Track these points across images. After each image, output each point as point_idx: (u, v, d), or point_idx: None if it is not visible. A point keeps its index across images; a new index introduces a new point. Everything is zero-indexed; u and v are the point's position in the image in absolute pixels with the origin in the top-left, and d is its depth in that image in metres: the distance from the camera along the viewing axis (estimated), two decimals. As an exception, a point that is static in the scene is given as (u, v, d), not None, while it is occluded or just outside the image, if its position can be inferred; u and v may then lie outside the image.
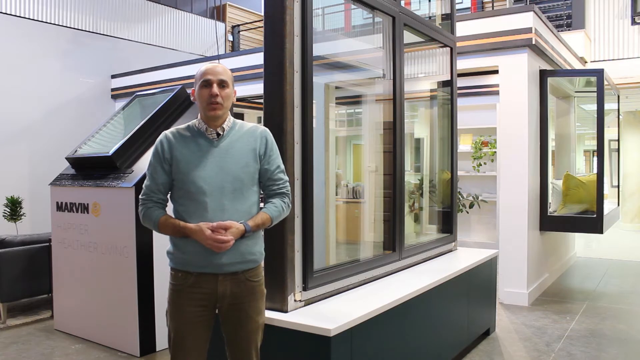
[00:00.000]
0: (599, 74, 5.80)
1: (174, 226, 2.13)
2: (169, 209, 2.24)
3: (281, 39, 2.60)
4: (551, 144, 6.14)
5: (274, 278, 2.61)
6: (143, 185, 2.22)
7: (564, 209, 6.05)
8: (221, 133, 2.20)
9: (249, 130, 2.25)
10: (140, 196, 2.22)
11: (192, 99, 2.26)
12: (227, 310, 2.19)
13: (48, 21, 7.98)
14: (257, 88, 6.53)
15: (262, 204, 2.29)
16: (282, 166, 2.30)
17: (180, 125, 2.27)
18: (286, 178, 2.30)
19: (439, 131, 4.80)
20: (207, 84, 2.16)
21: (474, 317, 4.06)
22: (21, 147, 7.61)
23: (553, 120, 7.01)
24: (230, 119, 2.24)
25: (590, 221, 5.65)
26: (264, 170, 2.24)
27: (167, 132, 2.24)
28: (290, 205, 2.31)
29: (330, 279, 2.90)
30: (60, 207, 4.52)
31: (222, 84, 2.17)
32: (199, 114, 2.24)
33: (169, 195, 2.25)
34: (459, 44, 4.78)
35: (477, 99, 7.63)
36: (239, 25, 11.96)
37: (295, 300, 2.65)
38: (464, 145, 7.99)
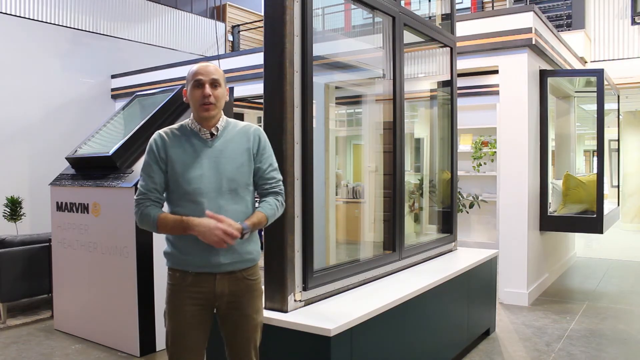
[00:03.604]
0: (599, 74, 5.80)
1: (174, 221, 2.08)
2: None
3: (281, 39, 2.60)
4: (551, 144, 6.14)
5: (274, 278, 2.61)
6: (138, 186, 2.15)
7: (564, 209, 6.04)
8: (215, 133, 2.18)
9: (242, 129, 2.23)
10: (135, 197, 2.14)
11: (184, 99, 2.23)
12: (225, 309, 2.19)
13: (48, 21, 7.98)
14: (257, 88, 6.54)
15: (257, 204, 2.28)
16: (276, 164, 2.29)
17: (172, 125, 2.23)
18: (279, 177, 2.28)
19: (439, 131, 4.80)
20: (199, 84, 2.13)
21: (474, 317, 4.06)
22: (21, 147, 7.60)
23: (553, 120, 7.00)
24: (223, 119, 2.22)
25: (590, 221, 5.65)
26: (256, 169, 2.22)
27: (161, 131, 2.20)
28: (284, 203, 2.30)
29: (330, 279, 2.90)
30: (60, 207, 4.52)
31: (215, 84, 2.14)
32: (192, 114, 2.21)
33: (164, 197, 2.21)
34: (459, 44, 4.78)
35: (477, 99, 7.64)
36: (239, 25, 11.96)
37: (295, 300, 2.65)
38: (464, 145, 8.00)
